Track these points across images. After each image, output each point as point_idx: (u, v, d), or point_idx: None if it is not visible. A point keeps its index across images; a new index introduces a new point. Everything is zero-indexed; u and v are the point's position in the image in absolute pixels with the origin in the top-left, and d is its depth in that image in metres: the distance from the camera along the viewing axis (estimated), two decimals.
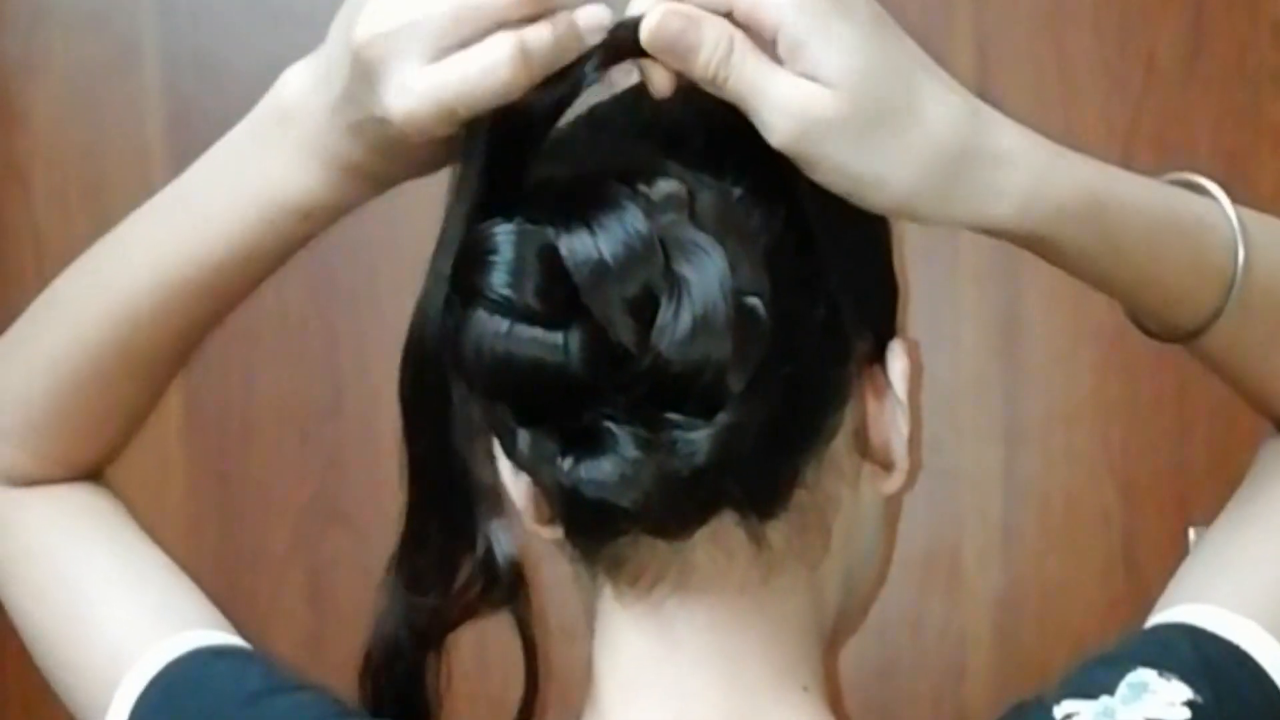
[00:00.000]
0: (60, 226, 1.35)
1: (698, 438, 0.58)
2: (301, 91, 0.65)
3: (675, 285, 0.58)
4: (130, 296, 0.72)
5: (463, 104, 0.58)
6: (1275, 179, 1.28)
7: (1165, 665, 0.67)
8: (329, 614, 1.36)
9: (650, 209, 0.59)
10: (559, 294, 0.58)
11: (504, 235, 0.59)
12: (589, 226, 0.58)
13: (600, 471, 0.59)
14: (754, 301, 0.58)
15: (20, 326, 0.78)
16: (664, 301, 0.58)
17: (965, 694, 1.33)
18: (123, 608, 0.76)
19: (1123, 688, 0.66)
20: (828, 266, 0.63)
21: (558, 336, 0.58)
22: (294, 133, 0.66)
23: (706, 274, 0.58)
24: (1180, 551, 1.28)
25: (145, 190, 1.33)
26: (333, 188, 0.66)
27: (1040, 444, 1.32)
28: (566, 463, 0.60)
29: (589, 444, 0.59)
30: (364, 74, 0.60)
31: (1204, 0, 1.27)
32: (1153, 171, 1.28)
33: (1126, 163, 1.33)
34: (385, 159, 0.63)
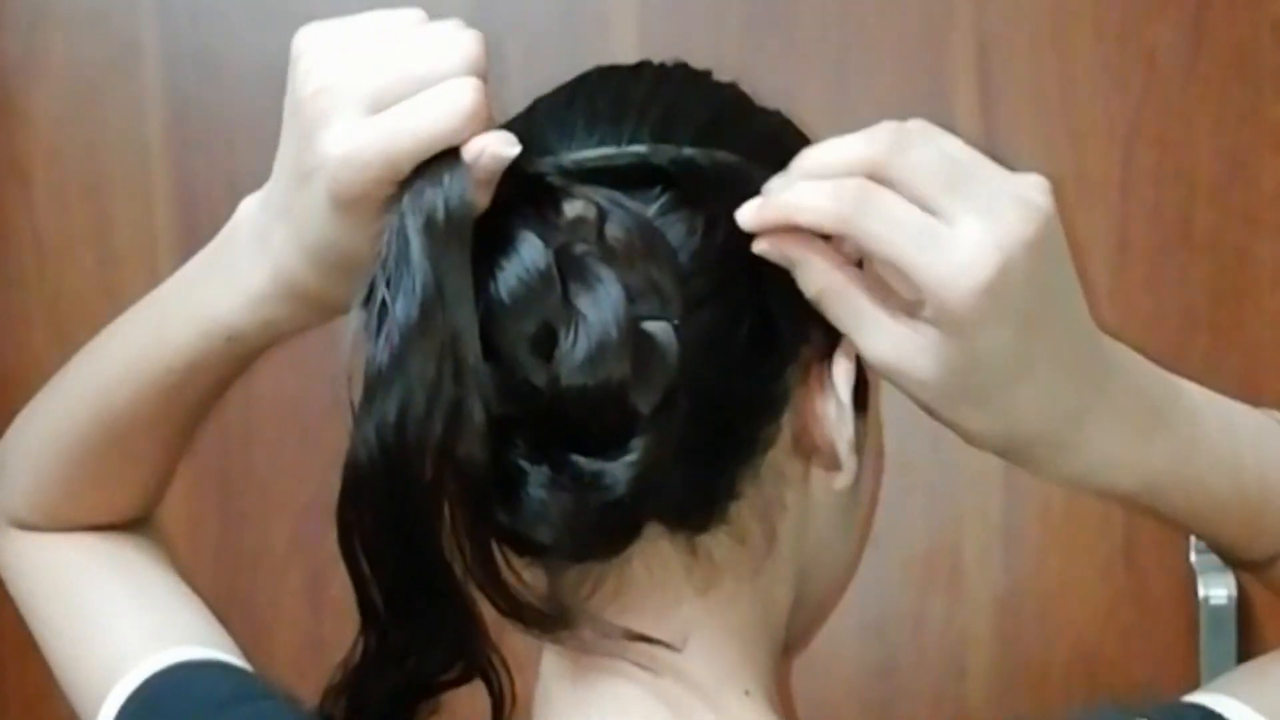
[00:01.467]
0: (60, 225, 1.35)
1: (613, 469, 0.59)
2: (251, 207, 0.67)
3: (571, 317, 0.58)
4: (106, 385, 0.75)
5: (409, 153, 0.58)
6: (1276, 179, 1.28)
7: None
8: (329, 614, 1.36)
9: (555, 236, 0.59)
10: None
11: None
12: (490, 267, 0.59)
13: (515, 509, 0.60)
14: (655, 326, 0.58)
15: (40, 394, 0.82)
16: (561, 334, 0.58)
17: (966, 693, 1.33)
18: (122, 629, 0.78)
19: None
20: (760, 272, 0.62)
21: None
22: (237, 247, 0.67)
23: (601, 305, 0.58)
24: (1181, 551, 1.29)
25: (145, 189, 1.33)
26: (259, 306, 0.66)
27: None
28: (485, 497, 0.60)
29: (503, 483, 0.60)
30: (306, 130, 0.60)
31: (1205, 0, 1.27)
32: (1154, 172, 1.29)
33: (1127, 162, 1.33)
34: (317, 264, 0.63)
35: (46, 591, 0.81)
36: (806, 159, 0.60)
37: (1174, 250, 1.28)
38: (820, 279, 0.60)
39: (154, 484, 0.81)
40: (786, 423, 0.64)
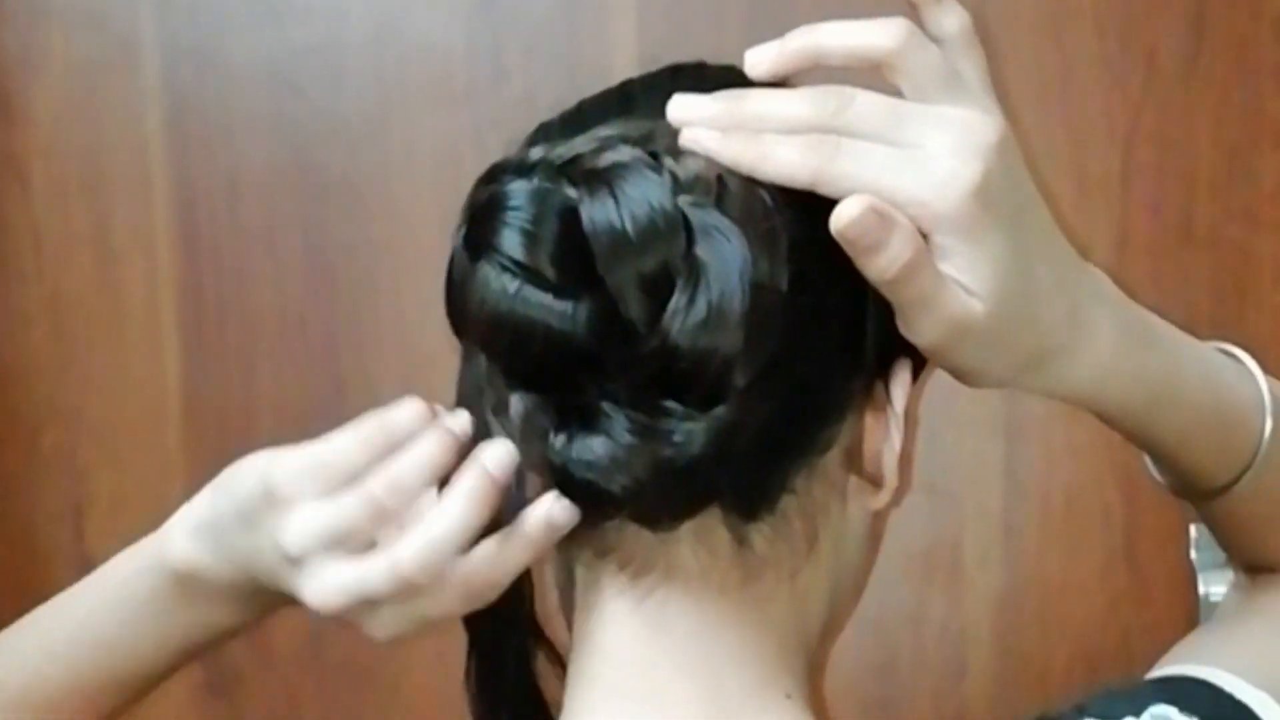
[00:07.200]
0: (59, 222, 1.35)
1: (694, 429, 0.57)
2: (196, 553, 0.70)
3: (693, 268, 0.56)
4: (50, 692, 0.75)
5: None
6: (1277, 175, 1.27)
7: (1187, 706, 0.67)
8: None
9: (676, 186, 0.57)
10: (575, 260, 0.57)
11: (522, 191, 0.57)
12: (613, 193, 0.57)
13: (591, 452, 0.58)
14: (772, 297, 0.57)
15: None
16: (680, 284, 0.56)
17: (965, 691, 1.33)
18: None
19: (1146, 716, 0.66)
20: (858, 279, 0.60)
21: (568, 305, 0.57)
22: (208, 589, 0.70)
23: (726, 261, 0.56)
24: (1181, 548, 1.29)
25: (144, 186, 1.32)
26: (264, 610, 0.73)
27: (1041, 440, 1.32)
28: (559, 440, 0.58)
29: (583, 422, 0.58)
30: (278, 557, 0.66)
31: None
32: (1154, 169, 1.28)
33: (1127, 159, 1.33)
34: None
35: None
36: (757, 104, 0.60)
37: (1175, 247, 1.28)
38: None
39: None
40: (845, 430, 0.64)
